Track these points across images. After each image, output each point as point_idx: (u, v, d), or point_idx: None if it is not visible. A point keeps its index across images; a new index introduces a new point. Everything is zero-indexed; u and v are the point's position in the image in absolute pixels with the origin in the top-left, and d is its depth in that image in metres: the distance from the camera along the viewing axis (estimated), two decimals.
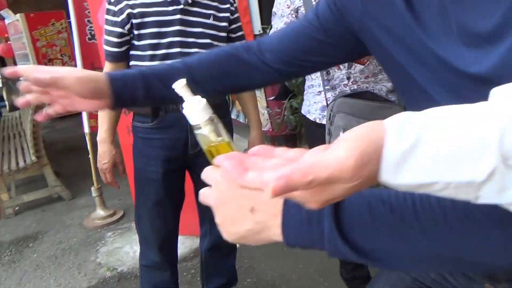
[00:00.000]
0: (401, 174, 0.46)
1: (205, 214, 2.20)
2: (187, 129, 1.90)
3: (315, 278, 2.55)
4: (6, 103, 9.79)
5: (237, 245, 2.35)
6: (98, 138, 2.02)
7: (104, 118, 2.00)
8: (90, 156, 3.77)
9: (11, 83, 9.18)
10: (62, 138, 7.54)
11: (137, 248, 3.23)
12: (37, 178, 4.97)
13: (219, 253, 2.30)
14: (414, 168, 0.45)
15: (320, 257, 2.73)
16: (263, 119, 4.86)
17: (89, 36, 3.98)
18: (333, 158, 0.47)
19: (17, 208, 4.41)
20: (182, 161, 2.02)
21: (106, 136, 1.99)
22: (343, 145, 0.47)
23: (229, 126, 2.10)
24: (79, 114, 8.25)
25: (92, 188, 3.83)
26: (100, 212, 3.84)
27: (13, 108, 8.49)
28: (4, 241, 3.73)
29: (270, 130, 4.83)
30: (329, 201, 0.50)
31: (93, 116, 3.59)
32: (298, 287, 2.51)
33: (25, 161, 4.27)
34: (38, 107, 4.29)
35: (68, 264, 3.22)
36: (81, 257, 3.29)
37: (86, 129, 3.67)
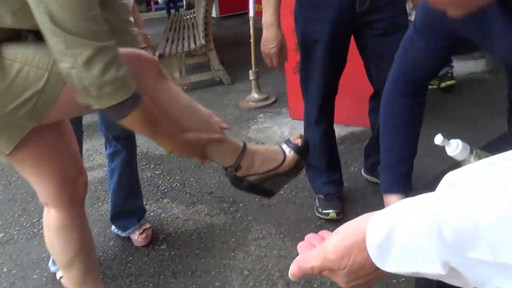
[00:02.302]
0: (387, 263, 0.53)
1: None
2: None
3: None
4: (184, 2, 10.51)
5: None
6: (264, 22, 1.99)
7: (269, 1, 1.96)
8: (252, 40, 3.96)
9: None
10: (228, 33, 7.93)
11: (285, 129, 3.42)
12: (203, 64, 5.38)
13: None
14: (393, 259, 0.52)
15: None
16: None
17: None
18: (320, 250, 0.61)
19: (185, 87, 4.88)
20: (350, 21, 1.95)
21: (273, 20, 1.97)
22: (333, 238, 0.60)
23: None
24: (244, 14, 8.57)
25: (250, 72, 3.98)
26: (254, 95, 4.03)
27: (189, 7, 9.11)
28: None
29: None
30: (351, 284, 0.61)
31: (259, 1, 3.72)
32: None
33: (195, 43, 4.66)
34: (209, 4, 4.58)
35: None
36: (235, 131, 3.56)
37: (251, 13, 3.77)
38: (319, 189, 2.34)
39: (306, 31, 2.03)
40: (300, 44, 2.10)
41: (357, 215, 1.77)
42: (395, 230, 0.51)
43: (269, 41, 1.99)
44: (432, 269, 0.48)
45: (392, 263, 0.52)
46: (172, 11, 9.71)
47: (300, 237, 2.12)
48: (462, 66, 4.21)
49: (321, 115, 2.21)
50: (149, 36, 2.08)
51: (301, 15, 2.03)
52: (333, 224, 2.20)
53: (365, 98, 3.02)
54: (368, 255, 0.55)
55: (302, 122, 3.43)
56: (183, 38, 5.06)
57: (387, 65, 2.03)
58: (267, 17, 1.98)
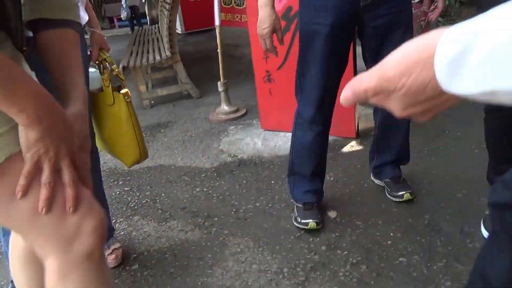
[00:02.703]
0: (456, 81, 0.44)
1: None
2: None
3: (450, 185, 2.35)
4: (148, 18, 10.41)
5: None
6: (259, 3, 1.95)
7: None
8: (219, 50, 3.88)
9: None
10: (194, 49, 7.84)
11: (257, 140, 3.33)
12: (170, 79, 5.26)
13: (390, 129, 2.22)
14: (466, 75, 0.43)
15: (459, 167, 2.55)
16: None
17: None
18: (378, 69, 0.52)
19: (153, 102, 4.74)
20: (353, 14, 1.90)
21: (267, 0, 1.92)
22: (394, 55, 0.51)
23: None
24: (210, 30, 8.49)
25: (219, 83, 3.88)
26: (224, 107, 3.92)
27: (153, 22, 9.01)
28: (141, 126, 4.04)
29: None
30: (407, 111, 0.53)
31: (225, 10, 3.66)
32: (429, 192, 2.34)
33: (160, 56, 4.54)
34: (173, 9, 4.49)
35: (194, 148, 3.40)
36: (205, 144, 3.45)
37: (217, 22, 3.66)
38: (299, 197, 2.23)
39: (308, 22, 1.96)
40: (300, 36, 2.03)
41: (337, 225, 1.68)
42: (476, 40, 0.42)
43: (262, 22, 1.95)
44: None
45: (464, 80, 0.43)
46: (136, 27, 9.57)
47: (280, 249, 2.03)
48: None
49: (317, 115, 2.06)
50: (105, 37, 1.97)
51: (305, 4, 1.97)
52: (312, 234, 2.11)
53: (340, 107, 2.98)
54: (434, 73, 0.46)
55: (274, 133, 3.39)
56: (148, 52, 4.95)
57: None
58: None
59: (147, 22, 10.41)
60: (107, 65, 1.86)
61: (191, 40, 8.53)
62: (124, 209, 2.61)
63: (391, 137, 2.24)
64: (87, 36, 1.98)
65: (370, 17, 1.91)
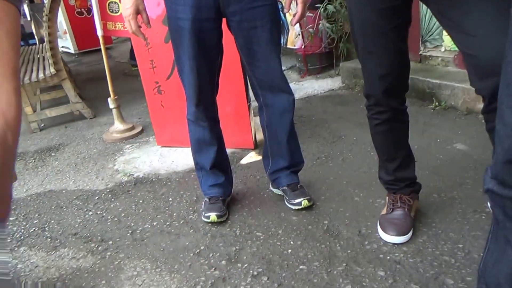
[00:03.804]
0: None
1: (260, 83, 2.14)
2: None
3: (348, 189, 2.46)
4: (36, 37, 9.93)
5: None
6: None
7: None
8: (106, 66, 3.77)
9: (38, 16, 9.26)
10: (87, 70, 7.58)
11: (154, 158, 3.26)
12: (61, 100, 5.01)
13: (276, 128, 2.25)
14: None
15: (355, 171, 2.66)
16: (293, 34, 4.69)
17: None
18: None
19: (42, 124, 4.48)
20: (214, 7, 1.93)
21: None
22: None
23: None
24: (100, 50, 8.28)
25: (109, 99, 3.73)
26: (118, 125, 3.78)
27: (42, 41, 8.60)
28: (29, 151, 3.77)
29: (302, 46, 4.54)
30: None
31: (105, 18, 3.51)
32: (328, 198, 2.41)
33: (44, 73, 4.31)
34: (51, 20, 4.27)
35: (87, 170, 3.26)
36: (100, 165, 3.32)
37: (99, 32, 3.52)
38: (205, 191, 2.37)
39: (172, 17, 1.98)
40: (170, 32, 2.05)
41: (237, 238, 1.67)
42: None
43: (124, 2, 1.93)
44: None
45: None
46: (22, 47, 9.10)
47: (179, 268, 1.98)
48: (320, 85, 4.47)
49: (198, 111, 2.14)
50: None
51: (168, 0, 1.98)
52: (212, 250, 2.08)
53: (235, 119, 3.01)
54: None
55: (171, 149, 3.35)
56: (32, 70, 4.69)
57: (258, 66, 2.04)
58: None
59: (36, 43, 9.94)
60: None
61: (85, 60, 8.26)
62: (9, 240, 2.42)
63: (280, 137, 2.26)
64: None
65: (232, 11, 1.94)
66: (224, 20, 2.03)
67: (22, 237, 2.45)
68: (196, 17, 1.91)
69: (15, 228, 2.56)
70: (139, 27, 2.00)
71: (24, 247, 2.35)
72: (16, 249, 2.34)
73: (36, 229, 2.51)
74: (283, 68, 2.65)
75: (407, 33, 1.70)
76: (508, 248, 0.97)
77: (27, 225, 2.57)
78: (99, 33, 3.49)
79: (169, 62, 2.98)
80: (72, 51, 9.25)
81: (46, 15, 4.11)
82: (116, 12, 3.44)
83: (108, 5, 3.42)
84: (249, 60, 2.07)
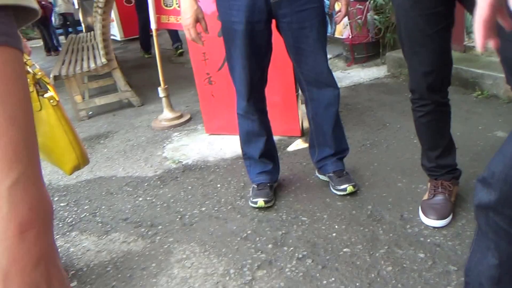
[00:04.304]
0: None
1: (307, 78, 2.25)
2: None
3: (391, 175, 2.52)
4: (83, 25, 10.28)
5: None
6: None
7: None
8: (157, 55, 3.92)
9: (86, 4, 9.58)
10: (133, 57, 7.81)
11: (202, 146, 3.38)
12: (109, 88, 5.25)
13: (321, 120, 2.35)
14: None
15: (399, 157, 2.72)
16: (341, 25, 4.74)
17: None
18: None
19: (91, 112, 4.71)
20: (266, 10, 2.06)
21: None
22: None
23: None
24: (150, 35, 8.51)
25: (159, 89, 3.91)
26: (167, 113, 3.95)
27: (89, 29, 8.92)
28: None
29: (349, 36, 4.62)
30: None
31: (161, 12, 3.71)
32: (372, 183, 2.49)
33: (95, 63, 4.52)
34: (106, 13, 4.48)
35: (136, 157, 3.42)
36: (148, 152, 3.48)
37: (153, 25, 3.72)
38: (253, 179, 2.49)
39: (226, 20, 2.13)
40: (222, 33, 2.19)
41: (283, 223, 1.78)
42: None
43: (184, 12, 2.08)
44: None
45: None
46: (71, 35, 9.45)
47: (226, 251, 2.10)
48: (366, 73, 4.49)
49: (249, 106, 2.28)
50: (25, 40, 1.97)
51: (220, 4, 2.13)
52: (259, 234, 2.19)
53: (283, 107, 3.10)
54: None
55: (219, 137, 3.46)
56: (82, 59, 4.91)
57: (305, 62, 2.15)
58: None
59: (83, 30, 10.30)
60: (29, 69, 1.87)
61: (130, 47, 8.50)
62: (61, 225, 2.59)
63: (325, 128, 2.36)
64: None
65: (282, 13, 2.07)
66: (273, 20, 2.17)
67: (73, 222, 2.61)
68: (249, 20, 2.05)
69: (66, 213, 2.73)
70: (198, 35, 2.14)
71: (76, 231, 2.51)
72: (68, 233, 2.50)
73: (87, 214, 2.68)
74: (330, 56, 2.73)
75: (450, 34, 1.81)
76: (489, 254, 1.08)
77: (78, 211, 2.74)
78: (153, 26, 3.67)
79: (220, 55, 3.09)
80: (118, 38, 9.54)
81: (101, 8, 4.29)
82: (170, 6, 3.61)
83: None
84: (297, 58, 2.20)
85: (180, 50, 7.04)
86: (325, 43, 2.23)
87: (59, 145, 1.82)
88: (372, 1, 4.32)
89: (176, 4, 3.62)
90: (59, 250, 2.33)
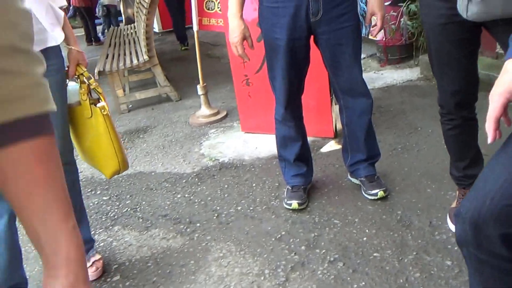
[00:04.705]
0: None
1: (342, 88, 2.37)
2: None
3: (421, 181, 2.58)
4: (123, 16, 10.48)
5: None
6: (229, 13, 2.23)
7: None
8: (197, 54, 4.04)
9: None
10: (171, 49, 7.97)
11: (237, 144, 3.49)
12: (148, 81, 5.41)
13: (355, 127, 2.45)
14: None
15: (429, 163, 2.76)
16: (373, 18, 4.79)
17: None
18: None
19: (131, 105, 4.87)
20: (306, 28, 2.19)
21: (236, 11, 2.22)
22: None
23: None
24: (188, 28, 8.64)
25: (198, 87, 4.03)
26: (204, 110, 4.07)
27: (129, 21, 9.11)
28: (119, 131, 4.09)
29: (383, 39, 4.69)
30: None
31: (202, 14, 3.86)
32: (402, 188, 2.55)
33: (138, 59, 4.69)
34: (150, 13, 4.63)
35: (174, 153, 3.55)
36: (186, 148, 3.61)
37: (195, 27, 3.85)
38: (288, 180, 2.59)
39: (268, 36, 2.27)
40: (265, 47, 2.34)
41: (315, 225, 1.87)
42: None
43: (232, 31, 2.23)
44: None
45: None
46: (112, 27, 9.66)
47: (261, 252, 2.21)
48: (399, 75, 4.51)
49: (286, 113, 2.42)
50: (83, 53, 2.10)
51: (263, 21, 2.28)
52: (292, 235, 2.29)
53: (317, 108, 3.18)
54: None
55: (255, 135, 3.56)
56: (124, 54, 5.08)
57: (341, 74, 2.29)
58: (231, 9, 2.23)
59: (123, 21, 10.51)
60: (85, 79, 2.02)
61: (168, 39, 8.66)
62: (104, 219, 2.74)
63: (358, 135, 2.46)
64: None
65: (321, 31, 2.19)
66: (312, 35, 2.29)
67: (116, 217, 2.76)
68: (291, 37, 2.19)
69: (108, 207, 2.88)
70: (245, 52, 2.29)
71: (118, 226, 2.66)
72: (110, 227, 2.65)
73: (129, 209, 2.82)
74: (364, 56, 2.80)
75: (476, 56, 1.91)
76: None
77: (120, 205, 2.89)
78: (195, 28, 3.83)
79: (259, 58, 3.20)
80: (156, 30, 9.71)
81: (146, 8, 4.43)
82: (211, 10, 3.78)
83: (206, 3, 3.78)
84: (334, 70, 2.33)
85: (185, 47, 7.61)
86: (360, 56, 2.34)
87: (104, 151, 1.99)
88: (405, 8, 4.35)
89: (218, 8, 3.76)
90: (103, 244, 2.49)
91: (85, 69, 2.06)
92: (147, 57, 4.58)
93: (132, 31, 6.45)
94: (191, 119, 4.17)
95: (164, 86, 4.81)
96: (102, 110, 1.92)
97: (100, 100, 1.99)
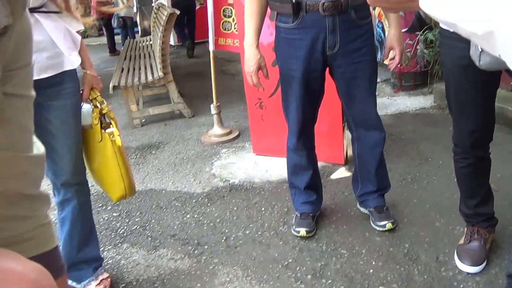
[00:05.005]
0: (430, 6, 0.65)
1: (355, 120, 2.40)
2: (326, 30, 2.12)
3: (430, 213, 2.60)
4: (139, 28, 10.62)
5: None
6: (245, 42, 2.27)
7: (249, 23, 2.24)
8: (212, 73, 4.09)
9: (144, 9, 9.90)
10: (186, 63, 8.07)
11: (248, 165, 3.52)
12: (162, 96, 5.46)
13: (366, 158, 2.49)
14: (439, 4, 0.63)
15: (438, 195, 2.78)
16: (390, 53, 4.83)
17: None
18: None
19: (144, 120, 4.94)
20: (322, 61, 2.22)
21: (252, 41, 2.25)
22: None
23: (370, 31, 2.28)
24: (203, 42, 8.75)
25: (212, 106, 4.10)
26: (217, 129, 4.12)
27: (145, 33, 9.23)
28: (131, 146, 4.21)
29: (398, 65, 4.75)
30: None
31: (219, 34, 3.94)
32: (410, 220, 2.57)
33: (153, 76, 4.76)
34: (166, 30, 4.71)
35: (185, 172, 3.59)
36: (197, 167, 3.64)
37: (211, 47, 3.92)
38: (297, 207, 2.63)
39: (284, 67, 2.31)
40: (280, 77, 2.39)
41: (322, 254, 1.89)
42: None
43: (248, 60, 2.27)
44: (472, 27, 0.60)
45: (437, 5, 0.64)
46: (128, 38, 9.76)
47: (267, 279, 2.24)
48: (412, 102, 4.53)
49: (299, 143, 2.45)
50: (98, 78, 2.15)
51: (279, 51, 2.32)
52: (299, 263, 2.31)
53: (329, 134, 3.21)
54: None
55: (266, 158, 3.60)
56: (140, 69, 5.15)
57: (355, 106, 2.31)
58: (248, 38, 2.26)
59: (139, 31, 10.64)
60: (98, 104, 2.08)
61: (183, 53, 8.73)
62: (113, 236, 2.78)
63: (369, 166, 2.49)
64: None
65: (337, 64, 2.23)
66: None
67: (125, 234, 2.80)
68: (306, 69, 2.22)
69: (118, 224, 2.92)
70: (259, 81, 2.32)
71: (127, 244, 2.70)
72: (119, 245, 2.69)
73: (138, 227, 2.86)
74: (378, 80, 2.83)
75: (495, 97, 1.94)
76: None
77: (129, 222, 2.93)
78: (211, 48, 3.89)
79: (273, 82, 3.23)
80: (172, 43, 9.79)
81: (163, 25, 4.51)
82: (228, 30, 3.86)
83: (222, 24, 3.85)
84: (348, 102, 2.36)
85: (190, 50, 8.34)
86: (375, 89, 2.37)
87: (111, 175, 2.05)
88: (422, 36, 4.39)
89: (235, 28, 3.83)
90: (111, 261, 2.53)
91: (99, 94, 2.11)
92: (162, 73, 4.65)
93: (148, 43, 6.54)
94: (203, 138, 4.22)
95: (178, 103, 4.87)
96: (111, 136, 1.98)
97: (111, 126, 2.05)
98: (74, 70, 1.98)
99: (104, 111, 2.04)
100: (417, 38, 4.48)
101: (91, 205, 2.27)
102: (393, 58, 2.35)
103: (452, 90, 1.94)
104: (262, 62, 2.27)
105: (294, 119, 2.38)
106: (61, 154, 1.96)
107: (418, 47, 4.52)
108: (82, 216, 2.15)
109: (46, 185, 3.43)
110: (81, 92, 2.06)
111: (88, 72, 2.09)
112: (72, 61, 1.94)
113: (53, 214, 3.04)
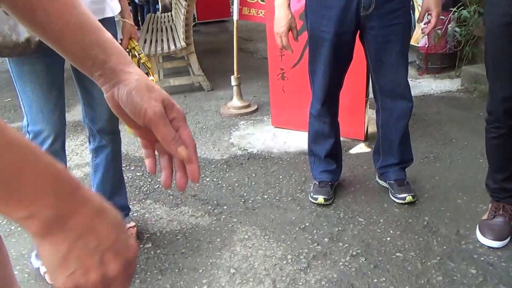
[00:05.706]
0: None
1: (382, 89, 2.39)
2: None
3: (452, 191, 2.62)
4: (160, 4, 10.65)
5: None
6: (276, 2, 2.26)
7: None
8: (235, 44, 4.12)
9: None
10: (206, 40, 8.08)
11: (267, 137, 3.57)
12: (181, 70, 5.53)
13: (390, 129, 2.48)
14: None
15: (462, 174, 2.79)
16: (419, 31, 4.77)
17: None
18: None
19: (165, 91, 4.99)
20: (355, 22, 2.20)
21: (284, 0, 2.24)
22: None
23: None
24: (223, 21, 8.76)
25: (232, 77, 4.13)
26: (236, 101, 4.16)
27: (165, 9, 9.26)
28: None
29: (426, 45, 4.64)
30: None
31: (244, 3, 3.96)
32: (431, 196, 2.59)
33: (175, 45, 4.80)
34: (190, 6, 4.73)
35: (204, 140, 3.64)
36: (216, 136, 3.69)
37: (235, 16, 3.94)
38: (316, 176, 2.65)
39: (314, 28, 2.28)
40: (309, 39, 2.36)
41: (340, 220, 1.94)
42: None
43: (278, 21, 2.25)
44: None
45: None
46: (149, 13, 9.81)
47: (285, 238, 2.29)
48: (438, 85, 4.52)
49: (323, 109, 2.45)
50: (136, 27, 2.21)
51: (311, 12, 2.29)
52: (316, 227, 2.36)
53: (350, 110, 3.23)
54: None
55: (284, 130, 3.64)
56: (162, 40, 5.20)
57: (384, 74, 2.30)
58: None
59: (159, 9, 10.66)
60: (136, 53, 2.13)
61: (203, 30, 8.78)
62: (137, 192, 2.87)
63: (392, 138, 2.49)
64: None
65: (370, 26, 2.20)
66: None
67: (148, 192, 2.89)
68: (338, 31, 2.21)
69: (141, 182, 3.01)
70: (289, 43, 2.31)
71: (150, 200, 2.78)
72: (143, 200, 2.78)
73: (160, 186, 2.93)
74: None
75: None
76: None
77: (152, 182, 3.01)
78: (235, 17, 3.90)
79: (297, 52, 3.26)
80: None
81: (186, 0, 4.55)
82: (253, 0, 3.85)
83: None
84: (376, 69, 2.33)
85: None
86: (407, 56, 2.34)
87: None
88: (456, 13, 4.29)
89: None
90: (136, 214, 2.60)
91: (137, 43, 2.16)
92: (184, 43, 4.69)
93: (167, 19, 6.58)
94: (222, 109, 4.26)
95: (198, 75, 4.92)
96: None
97: (149, 75, 2.09)
98: (113, 18, 2.03)
99: (142, 61, 2.09)
100: (450, 15, 4.37)
101: (122, 156, 2.34)
102: (428, 22, 2.31)
103: (490, 51, 1.94)
104: (293, 22, 2.26)
105: (320, 84, 2.37)
106: (99, 101, 2.02)
107: (449, 25, 4.40)
108: (114, 164, 2.25)
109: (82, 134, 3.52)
110: (120, 41, 2.11)
111: (127, 21, 2.14)
112: (113, 8, 1.99)
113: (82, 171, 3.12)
